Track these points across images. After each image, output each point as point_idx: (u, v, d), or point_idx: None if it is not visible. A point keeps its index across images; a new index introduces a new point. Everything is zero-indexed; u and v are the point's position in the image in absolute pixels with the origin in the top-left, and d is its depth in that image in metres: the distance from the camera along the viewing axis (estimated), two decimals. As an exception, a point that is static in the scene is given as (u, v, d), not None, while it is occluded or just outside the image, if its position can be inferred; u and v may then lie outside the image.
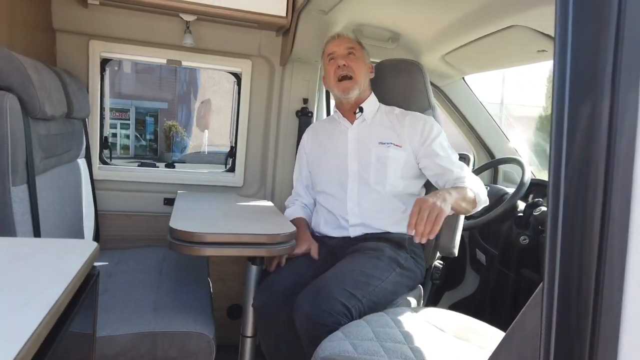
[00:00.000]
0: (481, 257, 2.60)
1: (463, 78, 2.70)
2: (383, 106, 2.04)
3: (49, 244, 1.01)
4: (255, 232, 1.59)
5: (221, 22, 2.36)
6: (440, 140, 1.89)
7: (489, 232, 2.50)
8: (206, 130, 20.30)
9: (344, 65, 1.90)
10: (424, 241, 1.46)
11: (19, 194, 1.45)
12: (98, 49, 2.33)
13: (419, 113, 1.99)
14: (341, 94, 1.94)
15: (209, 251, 1.55)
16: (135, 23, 2.32)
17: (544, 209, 2.09)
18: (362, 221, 1.88)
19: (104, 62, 2.42)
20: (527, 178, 2.22)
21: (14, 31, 1.80)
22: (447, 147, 1.89)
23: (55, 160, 1.80)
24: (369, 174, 1.88)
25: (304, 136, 2.19)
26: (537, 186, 2.36)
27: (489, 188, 2.49)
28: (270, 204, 2.34)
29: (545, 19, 1.76)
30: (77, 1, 2.17)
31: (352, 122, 2.00)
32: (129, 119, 21.32)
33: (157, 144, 21.54)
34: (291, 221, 1.87)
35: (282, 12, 2.22)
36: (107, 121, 2.60)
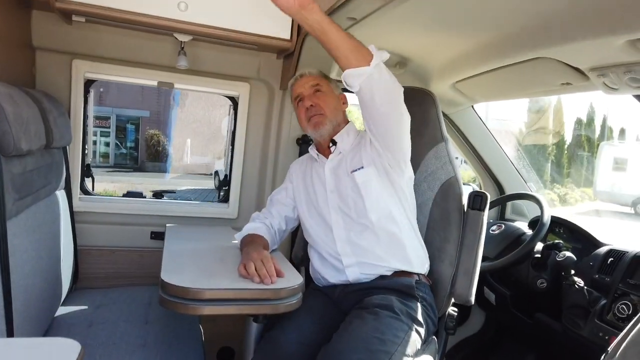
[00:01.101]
0: (490, 295, 2.46)
1: (472, 106, 2.57)
2: (362, 132, 1.87)
3: (19, 348, 0.81)
4: (258, 286, 1.41)
5: (218, 42, 2.18)
6: None
7: (497, 269, 2.35)
8: (188, 140, 19.96)
9: (312, 105, 1.81)
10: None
11: (-15, 248, 1.24)
12: (82, 69, 2.13)
13: None
14: (314, 131, 1.82)
15: (207, 309, 1.36)
16: (124, 42, 2.12)
17: (568, 254, 1.95)
18: (357, 260, 1.73)
19: (88, 83, 2.22)
20: (547, 218, 2.09)
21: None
22: None
23: (30, 199, 1.59)
24: (349, 207, 1.75)
25: (292, 167, 2.05)
26: (554, 224, 2.22)
27: (503, 227, 2.35)
28: None
29: (575, 52, 1.64)
30: (59, 17, 1.96)
31: (327, 157, 1.87)
32: (109, 127, 20.85)
33: (138, 152, 21.08)
34: (246, 236, 1.76)
35: (287, 35, 2.06)
36: (90, 146, 2.38)
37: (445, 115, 2.64)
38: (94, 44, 2.09)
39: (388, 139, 1.66)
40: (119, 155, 21.40)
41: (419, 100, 1.97)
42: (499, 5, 1.50)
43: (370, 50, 1.51)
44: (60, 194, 2.00)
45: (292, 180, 1.98)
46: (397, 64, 2.38)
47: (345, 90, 1.81)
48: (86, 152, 2.28)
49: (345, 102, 1.92)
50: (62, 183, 2.01)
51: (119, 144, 21.47)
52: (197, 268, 1.55)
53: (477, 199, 1.81)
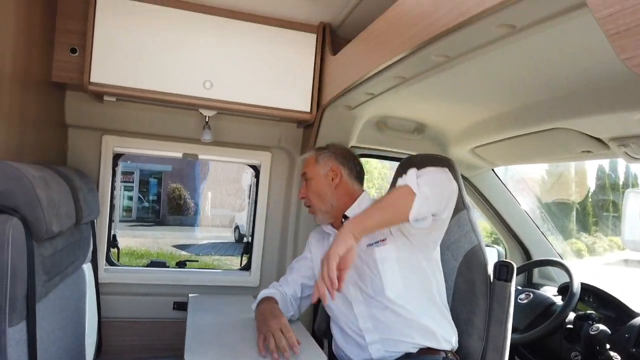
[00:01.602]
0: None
1: (492, 169, 2.57)
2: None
3: None
4: None
5: (241, 115, 2.27)
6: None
7: (528, 342, 2.26)
8: (209, 193, 20.22)
9: (302, 197, 1.88)
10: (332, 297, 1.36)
11: (15, 336, 1.25)
12: (111, 144, 2.22)
13: None
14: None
15: None
16: (151, 117, 2.22)
17: (602, 328, 1.87)
18: (380, 336, 1.66)
19: (116, 157, 2.30)
20: (577, 287, 2.02)
21: (25, 130, 1.69)
22: None
23: (58, 279, 1.62)
24: (366, 284, 1.68)
25: (311, 235, 2.02)
26: (584, 291, 2.15)
27: (531, 295, 2.28)
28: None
29: (594, 124, 1.65)
30: (92, 97, 2.07)
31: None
32: (133, 182, 21.31)
33: (160, 205, 21.40)
34: (261, 301, 1.75)
35: (307, 108, 2.13)
36: (117, 217, 2.44)
37: (465, 178, 2.64)
38: (123, 120, 2.19)
39: (426, 236, 1.63)
40: (141, 209, 21.74)
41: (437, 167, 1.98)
42: (514, 79, 1.54)
43: (406, 193, 1.44)
44: (87, 267, 2.03)
45: (311, 249, 1.96)
46: (415, 130, 2.42)
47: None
48: (112, 222, 2.33)
49: (335, 177, 1.83)
50: (89, 256, 2.04)
51: (141, 197, 21.86)
52: (220, 346, 1.54)
53: (503, 269, 1.76)
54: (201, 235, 15.39)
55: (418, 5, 1.23)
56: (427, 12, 1.17)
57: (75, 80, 1.92)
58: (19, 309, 1.27)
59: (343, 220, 1.78)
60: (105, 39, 1.89)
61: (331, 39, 2.12)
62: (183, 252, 11.01)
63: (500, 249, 2.79)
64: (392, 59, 1.40)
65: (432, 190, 1.44)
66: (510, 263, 1.78)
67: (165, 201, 20.99)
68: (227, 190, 19.24)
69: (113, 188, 2.32)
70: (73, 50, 1.92)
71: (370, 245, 1.69)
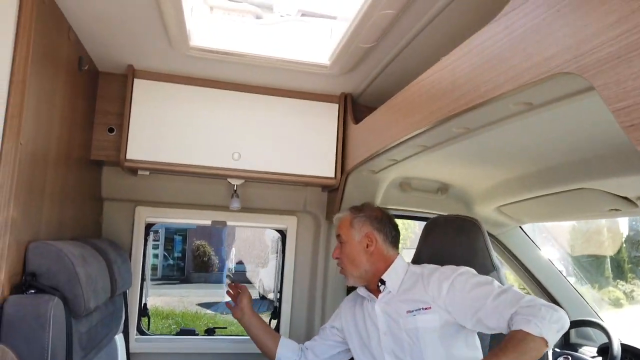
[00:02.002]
0: None
1: (520, 226, 2.55)
2: (413, 267, 1.79)
3: None
4: None
5: (267, 182, 2.34)
6: (476, 287, 1.57)
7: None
8: (233, 248, 20.26)
9: (337, 258, 1.87)
10: None
11: (53, 415, 1.27)
12: (144, 215, 2.30)
13: (449, 266, 1.71)
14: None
15: None
16: (182, 188, 2.31)
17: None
18: None
19: (148, 227, 2.38)
20: (617, 349, 1.94)
21: (65, 206, 1.77)
22: (489, 288, 1.56)
23: (93, 353, 1.65)
24: (405, 352, 1.65)
25: (344, 302, 2.01)
26: (625, 352, 2.05)
27: (570, 358, 2.19)
28: None
29: (619, 184, 1.65)
30: (126, 171, 2.18)
31: (377, 297, 1.78)
32: (158, 240, 21.55)
33: (185, 263, 21.47)
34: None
35: (331, 174, 2.19)
36: (148, 287, 2.49)
37: (492, 236, 2.62)
38: (155, 191, 2.28)
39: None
40: (166, 267, 21.83)
41: (465, 229, 1.99)
42: (534, 145, 1.56)
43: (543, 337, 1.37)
44: (119, 337, 2.06)
45: (342, 316, 1.95)
46: (438, 190, 2.44)
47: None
48: (143, 291, 2.37)
49: (371, 243, 1.79)
50: (121, 327, 2.07)
51: (166, 255, 22.00)
52: None
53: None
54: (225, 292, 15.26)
55: (437, 84, 1.29)
56: (446, 91, 1.23)
57: (112, 158, 2.04)
58: (57, 388, 1.30)
59: (379, 285, 1.77)
60: (140, 118, 2.02)
61: (352, 107, 2.21)
62: (208, 311, 10.90)
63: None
64: (414, 131, 1.45)
65: (553, 323, 1.39)
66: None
67: (190, 258, 21.08)
68: (250, 246, 19.24)
69: (145, 257, 2.38)
70: (110, 130, 2.05)
71: (411, 312, 1.65)
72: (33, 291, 1.36)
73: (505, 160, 1.81)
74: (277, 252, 2.73)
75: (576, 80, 0.79)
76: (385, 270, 1.77)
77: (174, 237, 22.59)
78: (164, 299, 12.05)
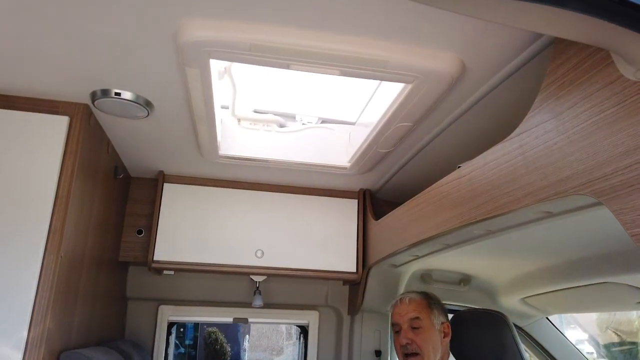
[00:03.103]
0: None
1: (547, 317, 2.49)
2: None
3: None
4: None
5: (289, 277, 2.36)
6: None
7: None
8: (247, 336, 19.59)
9: (408, 343, 1.73)
10: None
11: None
12: (167, 314, 2.31)
13: None
14: None
15: None
16: (205, 285, 2.33)
17: None
18: None
19: (170, 325, 2.37)
20: None
21: (95, 307, 1.81)
22: None
23: None
24: None
25: None
26: None
27: None
28: None
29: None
30: (151, 272, 2.22)
31: None
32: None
33: (196, 351, 20.70)
34: None
35: (352, 269, 2.21)
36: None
37: (518, 327, 2.56)
38: (178, 290, 2.31)
39: None
40: (177, 356, 20.99)
41: (492, 324, 1.96)
42: (555, 241, 1.59)
43: None
44: None
45: None
46: (461, 281, 2.43)
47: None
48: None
49: (447, 334, 1.78)
50: None
51: (178, 343, 21.25)
52: None
53: None
54: (239, 383, 14.49)
55: (456, 191, 1.36)
56: (466, 198, 1.29)
57: (139, 259, 2.10)
58: None
59: None
60: (168, 220, 2.10)
61: (371, 201, 2.28)
62: (221, 407, 10.29)
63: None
64: (436, 232, 1.50)
65: None
66: None
67: (202, 346, 20.35)
68: (265, 333, 18.58)
69: (166, 356, 2.35)
70: (139, 232, 2.13)
71: None
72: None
73: (528, 253, 1.83)
74: (292, 339, 2.68)
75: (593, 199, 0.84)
76: None
77: (185, 324, 21.91)
78: (174, 392, 11.48)
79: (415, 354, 1.71)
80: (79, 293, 1.60)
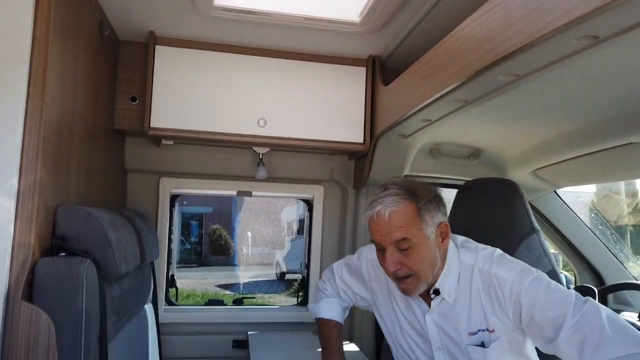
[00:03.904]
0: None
1: (555, 191, 2.45)
2: (464, 256, 1.40)
3: None
4: None
5: (293, 150, 2.28)
6: (539, 304, 1.22)
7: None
8: (249, 232, 20.40)
9: (398, 269, 1.32)
10: None
11: (90, 379, 1.24)
12: (168, 187, 2.27)
13: (502, 274, 1.30)
14: (402, 293, 1.40)
15: None
16: (206, 158, 2.26)
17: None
18: None
19: (173, 198, 2.34)
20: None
21: (92, 177, 1.74)
22: (555, 305, 1.20)
23: (125, 319, 1.62)
24: None
25: (365, 268, 1.64)
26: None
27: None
28: (354, 347, 2.06)
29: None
30: (150, 142, 2.13)
31: (427, 303, 1.42)
32: (176, 225, 21.69)
33: (202, 247, 21.70)
34: (323, 322, 1.67)
35: (359, 139, 2.12)
36: (174, 257, 2.47)
37: (526, 202, 2.54)
38: (179, 162, 2.24)
39: None
40: (183, 251, 22.08)
41: (502, 192, 1.90)
42: (585, 94, 1.46)
43: None
44: (148, 307, 2.04)
45: (374, 293, 1.61)
46: (470, 155, 2.36)
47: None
48: (171, 262, 2.35)
49: (447, 234, 1.38)
50: (150, 296, 2.05)
51: (184, 240, 22.25)
52: None
53: (584, 295, 1.65)
54: (243, 274, 15.40)
55: (484, 27, 1.20)
56: (495, 33, 1.14)
57: (136, 127, 1.99)
58: (92, 351, 1.27)
59: (432, 293, 1.39)
60: (163, 86, 1.97)
61: (381, 70, 2.12)
62: (227, 292, 11.02)
63: (569, 275, 2.62)
64: (454, 83, 1.37)
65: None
66: (591, 287, 1.67)
67: (207, 242, 21.30)
68: (267, 229, 19.35)
69: (171, 229, 2.35)
70: (133, 99, 2.00)
71: (473, 334, 1.35)
72: (63, 254, 1.33)
73: (549, 117, 1.72)
74: (293, 235, 2.69)
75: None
76: (442, 273, 1.38)
77: (190, 222, 22.78)
78: (183, 281, 12.20)
79: (410, 277, 1.33)
80: (73, 157, 1.52)
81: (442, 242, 1.36)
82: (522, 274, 1.28)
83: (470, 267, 1.37)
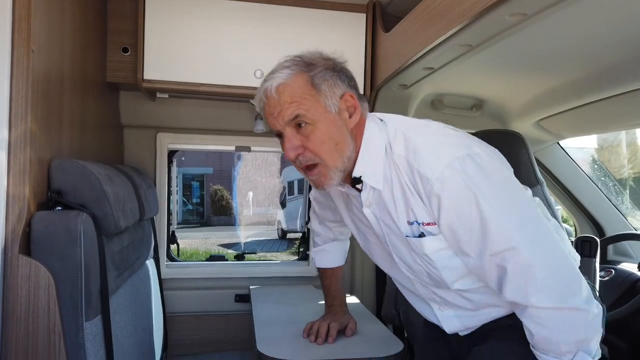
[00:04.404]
0: (602, 349, 2.19)
1: (558, 142, 2.42)
2: (392, 133, 1.17)
3: None
4: (357, 355, 1.38)
5: (291, 103, 2.22)
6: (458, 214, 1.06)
7: (613, 321, 2.11)
8: (250, 192, 20.50)
9: (299, 153, 1.14)
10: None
11: (92, 330, 1.25)
12: (165, 142, 2.23)
13: (425, 165, 1.07)
14: (315, 188, 1.28)
15: None
16: (203, 112, 2.21)
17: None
18: (455, 313, 1.31)
19: (171, 154, 2.31)
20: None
21: (86, 132, 1.70)
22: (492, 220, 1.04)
23: (127, 273, 1.63)
24: (421, 277, 1.25)
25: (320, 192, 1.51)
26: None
27: (613, 272, 2.13)
28: (355, 300, 2.08)
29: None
30: (145, 96, 2.08)
31: (359, 192, 1.22)
32: (177, 186, 21.80)
33: (204, 208, 21.87)
34: (321, 271, 1.70)
35: (360, 90, 2.05)
36: (175, 213, 2.46)
37: (528, 153, 2.50)
38: (175, 116, 2.19)
39: None
40: (185, 212, 22.28)
41: (506, 143, 1.86)
42: (596, 36, 1.40)
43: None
44: (150, 263, 2.04)
45: (334, 203, 1.44)
46: (473, 106, 2.31)
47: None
48: (171, 219, 2.35)
49: (355, 109, 1.17)
50: (151, 252, 2.06)
51: (185, 200, 22.40)
52: (290, 336, 1.52)
53: (586, 245, 1.65)
54: (245, 233, 15.60)
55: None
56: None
57: (129, 79, 1.93)
58: (94, 304, 1.27)
59: (358, 185, 1.19)
60: (155, 36, 1.89)
61: (382, 17, 2.04)
62: (229, 251, 11.19)
63: (569, 227, 2.63)
64: (458, 25, 1.31)
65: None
66: (593, 238, 1.66)
67: (209, 203, 21.45)
68: (268, 189, 19.43)
69: (169, 185, 2.33)
70: (125, 50, 1.93)
71: (411, 223, 1.14)
72: (60, 208, 1.31)
73: (555, 63, 1.66)
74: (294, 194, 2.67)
75: None
76: (359, 155, 1.17)
77: (191, 183, 22.86)
78: (186, 241, 12.36)
79: (315, 165, 1.14)
80: (64, 110, 1.47)
81: (349, 118, 1.16)
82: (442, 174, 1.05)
83: (401, 154, 1.13)
